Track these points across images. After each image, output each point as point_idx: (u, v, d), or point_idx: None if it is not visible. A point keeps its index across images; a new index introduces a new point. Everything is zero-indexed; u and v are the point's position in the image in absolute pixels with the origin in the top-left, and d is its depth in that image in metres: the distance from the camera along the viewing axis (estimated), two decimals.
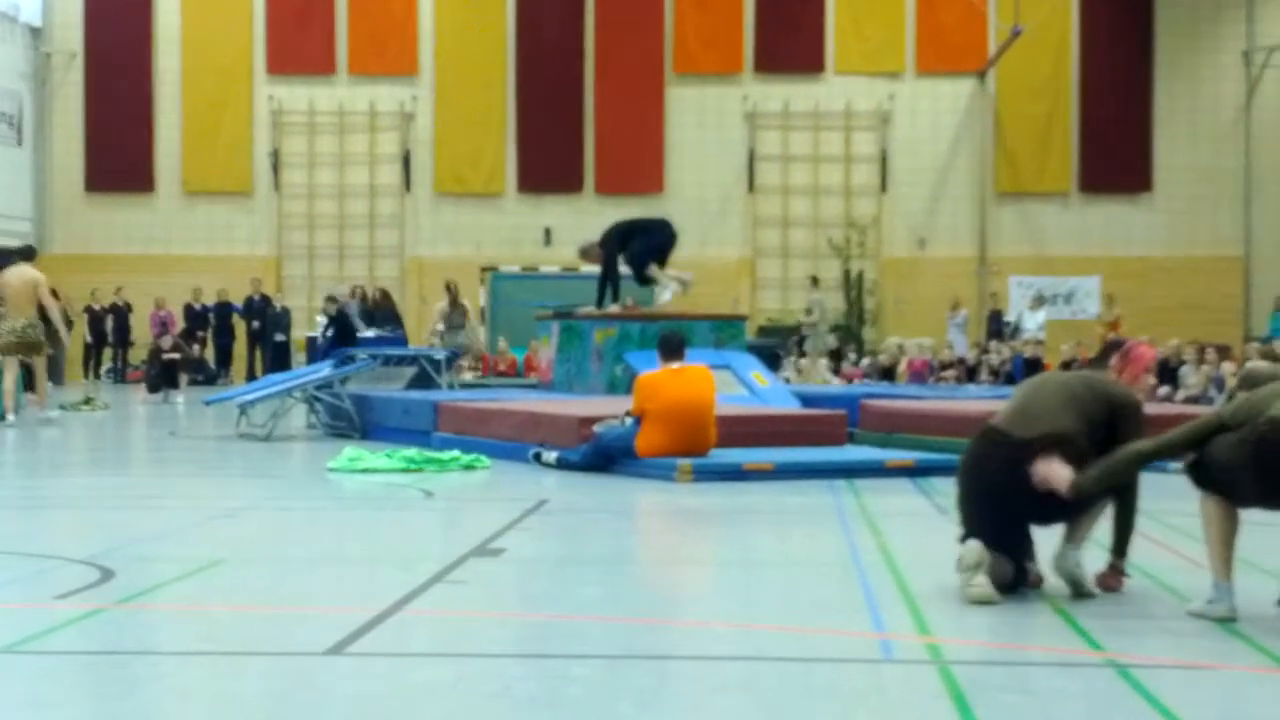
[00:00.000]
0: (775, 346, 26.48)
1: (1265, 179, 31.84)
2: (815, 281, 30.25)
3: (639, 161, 31.81)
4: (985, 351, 27.34)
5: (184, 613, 6.61)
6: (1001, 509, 6.78)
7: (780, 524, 9.93)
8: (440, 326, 25.38)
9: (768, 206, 32.25)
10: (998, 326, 29.75)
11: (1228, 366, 21.72)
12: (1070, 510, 6.73)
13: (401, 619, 6.32)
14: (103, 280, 30.90)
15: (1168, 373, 22.59)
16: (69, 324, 25.68)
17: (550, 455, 12.86)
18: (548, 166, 31.84)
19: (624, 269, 17.66)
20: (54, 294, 19.81)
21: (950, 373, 26.48)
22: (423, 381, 18.67)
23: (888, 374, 26.66)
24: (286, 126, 32.25)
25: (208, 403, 19.82)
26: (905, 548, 8.47)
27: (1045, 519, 6.89)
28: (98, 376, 30.75)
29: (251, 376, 28.68)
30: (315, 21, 31.95)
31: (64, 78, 32.28)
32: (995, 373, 26.12)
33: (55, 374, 25.71)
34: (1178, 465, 6.61)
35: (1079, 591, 6.74)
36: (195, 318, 30.90)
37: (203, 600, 6.86)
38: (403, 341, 25.48)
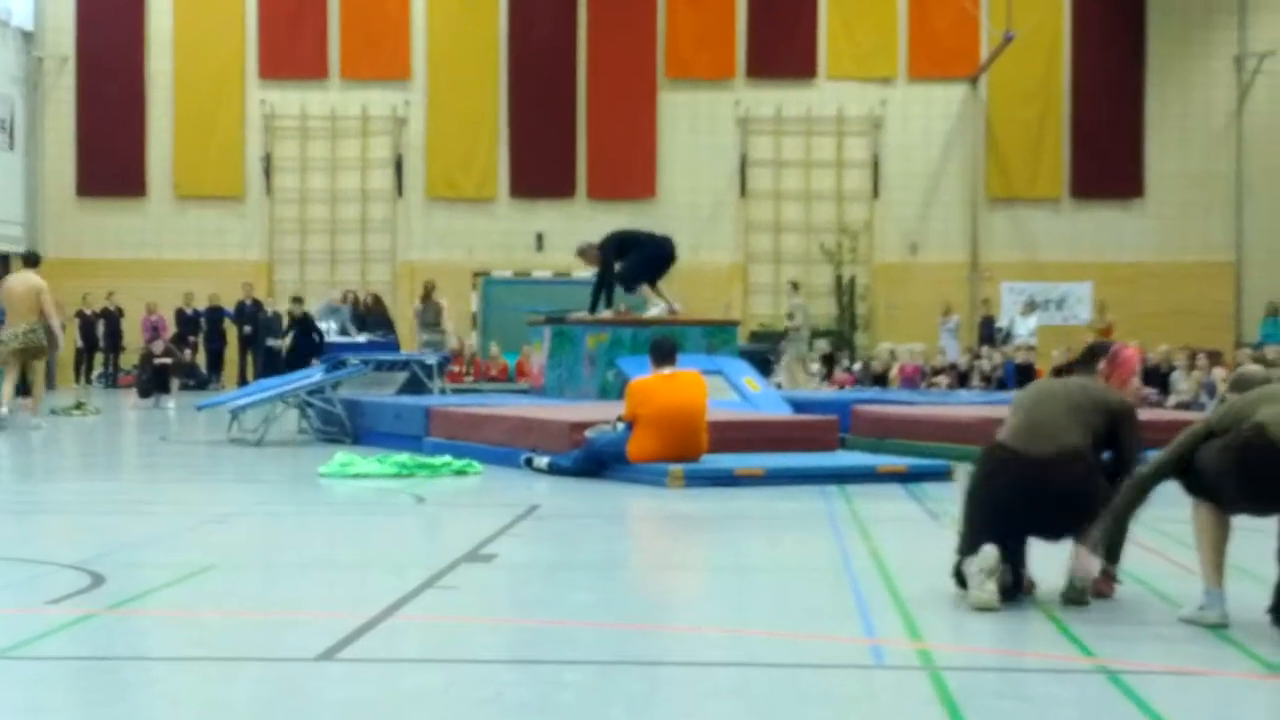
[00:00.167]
0: (767, 352, 26.46)
1: (1256, 184, 31.89)
2: (796, 286, 30.18)
3: (631, 166, 31.81)
4: (977, 357, 27.33)
5: (175, 618, 6.61)
6: (1010, 525, 6.81)
7: (772, 529, 9.95)
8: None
9: (760, 211, 32.26)
10: (989, 332, 29.71)
11: (1219, 372, 21.70)
12: (1078, 527, 6.75)
13: (392, 624, 6.32)
14: (94, 285, 30.83)
15: (1159, 378, 22.59)
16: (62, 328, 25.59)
17: (542, 460, 12.85)
18: (540, 171, 31.83)
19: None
20: None
21: (942, 378, 26.46)
22: (414, 386, 18.67)
23: (880, 379, 26.66)
24: (278, 131, 32.23)
25: (199, 408, 19.74)
26: (897, 553, 8.48)
27: (1054, 534, 6.95)
28: (89, 381, 30.67)
29: (243, 381, 28.63)
30: (307, 26, 31.94)
31: (56, 82, 32.24)
32: (987, 378, 26.12)
33: (47, 379, 25.63)
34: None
35: (1073, 596, 6.74)
36: (187, 322, 30.81)
37: (193, 606, 6.85)
38: (394, 346, 25.47)
